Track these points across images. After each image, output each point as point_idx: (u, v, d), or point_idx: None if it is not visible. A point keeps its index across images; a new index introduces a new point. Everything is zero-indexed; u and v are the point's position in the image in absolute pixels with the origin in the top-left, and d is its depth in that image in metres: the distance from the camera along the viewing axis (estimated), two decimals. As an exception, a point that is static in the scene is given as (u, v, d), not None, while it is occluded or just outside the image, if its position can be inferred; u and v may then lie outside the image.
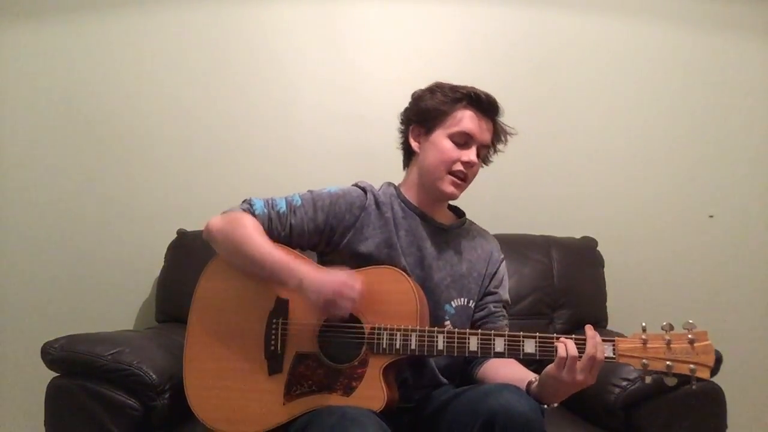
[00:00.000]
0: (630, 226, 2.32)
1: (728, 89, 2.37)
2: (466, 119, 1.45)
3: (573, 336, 1.23)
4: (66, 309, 2.17)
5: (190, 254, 1.94)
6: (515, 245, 2.08)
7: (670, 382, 1.21)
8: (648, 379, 1.22)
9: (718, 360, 1.53)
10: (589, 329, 1.23)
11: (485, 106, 1.46)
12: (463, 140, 1.45)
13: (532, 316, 1.96)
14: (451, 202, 1.58)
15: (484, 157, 1.52)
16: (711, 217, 2.35)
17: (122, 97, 2.23)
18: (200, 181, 2.23)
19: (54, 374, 1.57)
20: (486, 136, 1.48)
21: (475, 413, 1.16)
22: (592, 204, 2.32)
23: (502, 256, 1.59)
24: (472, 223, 1.61)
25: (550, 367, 1.22)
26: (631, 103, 2.35)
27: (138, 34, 2.24)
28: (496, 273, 1.55)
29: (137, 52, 2.24)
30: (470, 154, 1.45)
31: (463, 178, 1.46)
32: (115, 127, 2.23)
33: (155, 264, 2.08)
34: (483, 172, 2.26)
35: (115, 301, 2.18)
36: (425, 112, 1.48)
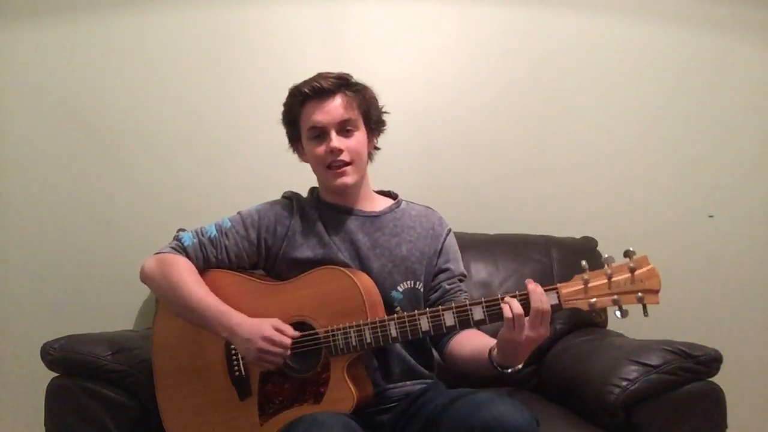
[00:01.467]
0: (630, 226, 2.32)
1: (728, 89, 2.37)
2: (309, 114, 1.45)
3: (516, 293, 1.23)
4: (66, 309, 2.16)
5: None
6: (515, 245, 2.08)
7: (624, 315, 1.20)
8: (599, 318, 1.22)
9: (718, 360, 1.54)
10: (529, 283, 1.23)
11: (320, 91, 1.44)
12: (316, 134, 1.45)
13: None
14: (382, 188, 1.60)
15: (372, 125, 1.50)
16: (711, 217, 2.35)
17: (122, 96, 2.23)
18: (200, 181, 2.23)
19: (54, 374, 1.57)
20: (336, 113, 1.43)
21: (468, 426, 1.14)
22: (592, 204, 2.32)
23: (448, 227, 1.57)
24: (409, 203, 1.59)
25: (502, 331, 1.22)
26: (630, 103, 2.35)
27: (138, 34, 2.24)
28: (442, 248, 1.53)
29: (137, 52, 2.24)
30: (330, 142, 1.43)
31: (344, 164, 1.44)
32: (115, 127, 2.23)
33: (155, 264, 2.08)
34: (483, 173, 2.29)
35: (115, 301, 2.17)
36: (287, 127, 1.52)
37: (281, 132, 2.24)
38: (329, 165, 1.44)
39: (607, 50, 2.34)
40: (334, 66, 2.26)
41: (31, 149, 2.21)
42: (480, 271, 2.00)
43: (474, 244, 2.00)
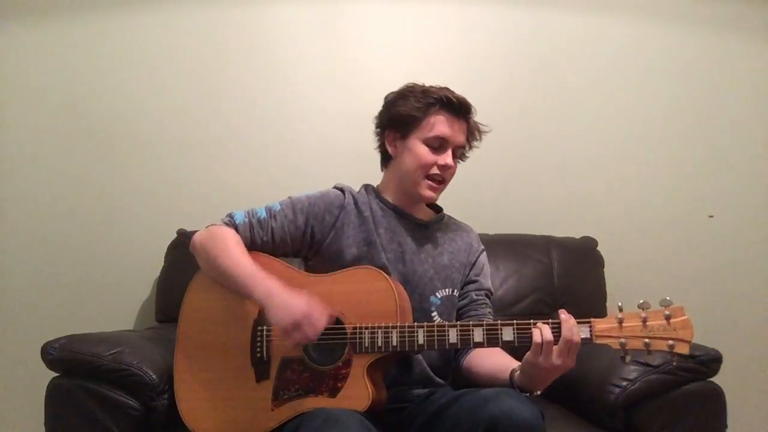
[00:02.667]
0: (630, 226, 2.32)
1: (728, 89, 2.37)
2: (440, 124, 1.46)
3: (549, 321, 1.24)
4: (66, 309, 2.16)
5: (190, 254, 1.93)
6: (515, 245, 2.08)
7: (651, 359, 1.21)
8: (628, 359, 1.22)
9: (718, 360, 1.54)
10: (563, 313, 1.24)
11: (457, 108, 1.47)
12: (437, 144, 1.46)
13: (532, 317, 1.95)
14: None
15: (460, 155, 1.54)
16: (711, 217, 2.35)
17: (122, 97, 2.23)
18: (200, 181, 2.23)
19: (54, 374, 1.57)
20: (460, 138, 1.49)
21: (475, 420, 1.15)
22: (592, 204, 2.32)
23: (482, 247, 1.62)
24: (450, 217, 1.63)
25: (528, 354, 1.23)
26: (631, 103, 2.35)
27: (138, 34, 2.24)
28: (476, 262, 1.57)
29: (137, 53, 2.24)
30: (446, 158, 1.46)
31: (441, 181, 1.48)
32: (115, 127, 2.23)
33: (155, 264, 2.08)
34: (483, 173, 2.28)
35: (115, 301, 2.17)
36: (399, 118, 1.49)
37: (281, 132, 2.27)
38: (430, 175, 1.47)
39: (607, 50, 2.35)
40: (334, 66, 2.28)
41: (31, 149, 2.21)
42: (480, 271, 2.00)
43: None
